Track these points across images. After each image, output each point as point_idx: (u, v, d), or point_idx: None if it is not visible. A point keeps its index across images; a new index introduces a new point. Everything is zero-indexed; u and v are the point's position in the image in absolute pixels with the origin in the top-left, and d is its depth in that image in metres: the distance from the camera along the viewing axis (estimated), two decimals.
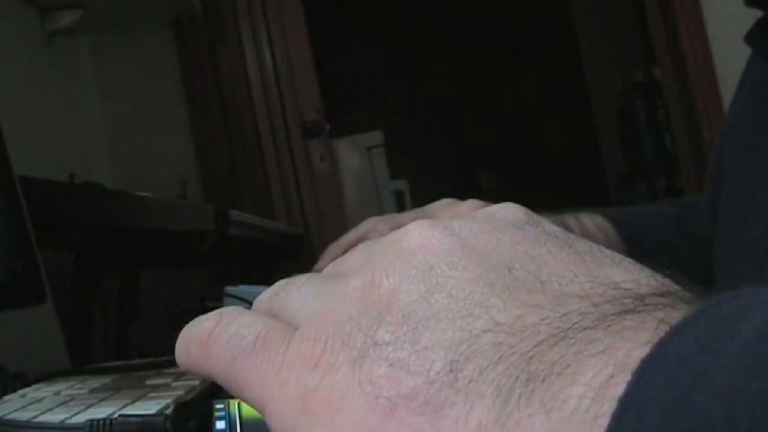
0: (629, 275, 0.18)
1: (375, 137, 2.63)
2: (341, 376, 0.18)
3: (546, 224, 0.22)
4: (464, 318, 0.18)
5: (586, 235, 0.60)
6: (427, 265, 0.19)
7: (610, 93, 3.64)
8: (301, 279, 0.23)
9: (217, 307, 0.23)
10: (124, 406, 0.36)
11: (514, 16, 4.15)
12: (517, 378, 0.16)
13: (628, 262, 0.19)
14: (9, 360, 0.52)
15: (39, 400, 0.40)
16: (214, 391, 0.41)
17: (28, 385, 0.47)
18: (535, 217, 0.22)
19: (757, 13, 0.53)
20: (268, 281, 0.25)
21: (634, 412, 0.13)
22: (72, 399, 0.40)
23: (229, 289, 0.83)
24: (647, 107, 3.32)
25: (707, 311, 0.15)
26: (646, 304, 0.16)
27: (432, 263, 0.19)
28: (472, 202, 0.60)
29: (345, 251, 0.25)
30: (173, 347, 0.23)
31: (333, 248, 0.65)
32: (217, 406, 0.28)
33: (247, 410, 0.27)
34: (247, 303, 0.74)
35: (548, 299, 0.18)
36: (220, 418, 0.28)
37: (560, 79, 4.13)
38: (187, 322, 0.23)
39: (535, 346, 0.16)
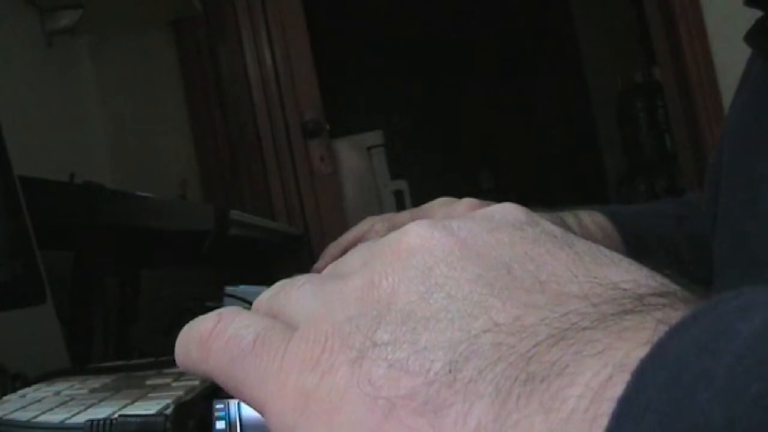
0: (628, 275, 0.18)
1: (375, 137, 2.63)
2: (340, 376, 0.18)
3: (545, 224, 0.21)
4: (463, 318, 0.18)
5: (585, 232, 0.60)
6: (426, 266, 0.19)
7: (610, 93, 3.64)
8: (300, 279, 0.23)
9: (217, 308, 0.23)
10: (124, 406, 0.36)
11: (515, 16, 4.15)
12: (516, 378, 0.16)
13: (627, 262, 0.19)
14: (9, 360, 0.52)
15: (39, 400, 0.40)
16: (214, 391, 0.41)
17: (28, 385, 0.47)
18: (535, 217, 0.22)
19: (757, 13, 0.53)
20: (268, 281, 0.25)
21: (633, 412, 0.13)
22: (72, 399, 0.40)
23: (229, 289, 0.83)
24: (647, 107, 3.32)
25: (706, 311, 0.15)
26: (645, 305, 0.16)
27: (431, 264, 0.20)
28: (468, 201, 0.60)
29: (344, 251, 0.25)
30: (173, 347, 0.23)
31: (332, 248, 0.65)
32: (217, 406, 0.28)
33: (247, 410, 0.27)
34: (247, 303, 0.74)
35: (547, 299, 0.18)
36: (220, 418, 0.28)
37: (560, 79, 4.14)
38: (187, 322, 0.23)
39: (534, 346, 0.16)
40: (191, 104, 2.12)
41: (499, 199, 0.50)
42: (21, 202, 0.66)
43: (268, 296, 0.24)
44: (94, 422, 0.31)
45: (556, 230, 0.21)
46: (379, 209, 2.50)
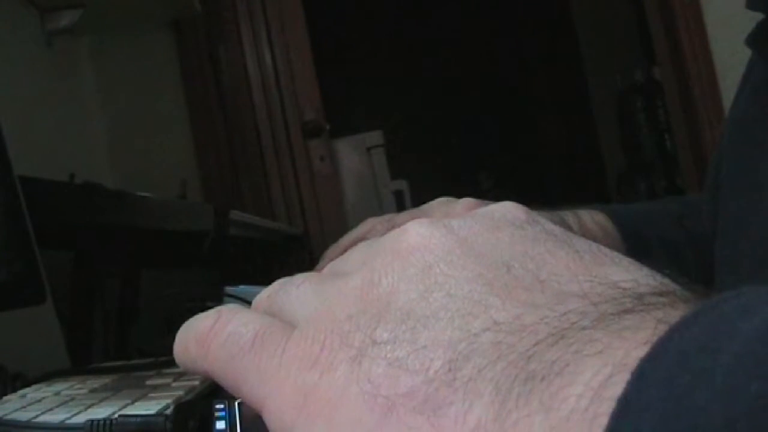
0: (628, 274, 0.18)
1: (375, 137, 2.63)
2: (340, 374, 0.18)
3: (545, 223, 0.21)
4: (463, 317, 0.18)
5: (585, 231, 0.60)
6: (425, 264, 0.19)
7: (610, 93, 3.64)
8: (300, 278, 0.23)
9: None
10: (124, 406, 0.36)
11: (515, 16, 4.15)
12: (515, 377, 0.16)
13: (627, 261, 0.19)
14: (9, 360, 0.52)
15: (39, 400, 0.40)
16: (214, 391, 0.41)
17: (28, 385, 0.47)
18: (534, 216, 0.22)
19: (757, 15, 0.53)
20: (268, 281, 0.25)
21: (633, 411, 0.13)
22: (72, 399, 0.40)
23: (229, 289, 0.83)
24: (647, 107, 3.32)
25: (706, 311, 0.15)
26: (645, 304, 0.16)
27: (431, 262, 0.19)
28: (467, 201, 0.60)
29: (344, 253, 0.25)
30: (173, 347, 0.23)
31: (332, 250, 0.65)
32: (217, 406, 0.28)
33: (247, 410, 0.27)
34: (247, 303, 0.73)
35: (547, 298, 0.18)
36: (220, 418, 0.28)
37: (560, 79, 4.14)
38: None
39: (534, 345, 0.16)
40: (191, 104, 2.12)
41: (499, 199, 0.50)
42: (21, 202, 0.66)
43: (267, 295, 0.24)
44: (94, 422, 0.31)
45: (556, 229, 0.21)
46: (379, 209, 2.50)
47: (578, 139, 4.10)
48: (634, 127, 3.39)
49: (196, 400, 0.39)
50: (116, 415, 0.32)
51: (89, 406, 0.37)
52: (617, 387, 0.14)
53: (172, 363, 0.24)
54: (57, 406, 0.37)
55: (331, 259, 0.26)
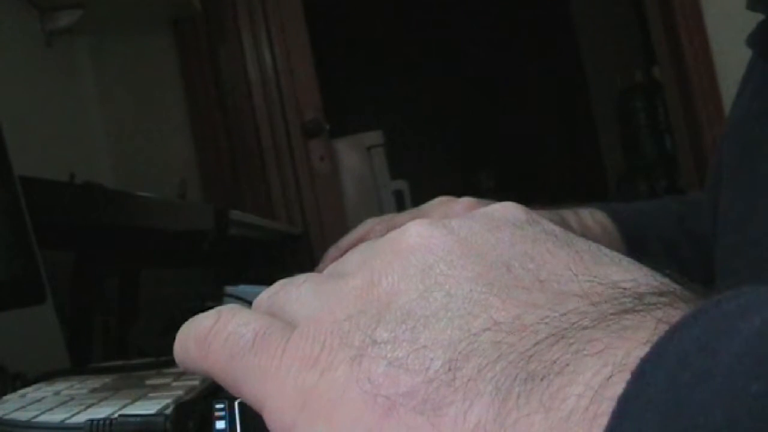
0: (628, 274, 0.18)
1: (375, 137, 2.62)
2: (340, 374, 0.18)
3: (545, 223, 0.21)
4: (463, 317, 0.18)
5: (585, 230, 0.60)
6: (425, 264, 0.19)
7: (610, 93, 3.64)
8: (300, 278, 0.23)
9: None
10: (124, 406, 0.36)
11: (514, 16, 4.15)
12: (516, 377, 0.16)
13: (627, 261, 0.19)
14: (9, 360, 0.52)
15: (39, 400, 0.40)
16: (214, 391, 0.41)
17: (28, 385, 0.47)
18: (535, 216, 0.22)
19: (757, 16, 0.53)
20: (268, 281, 0.25)
21: (633, 411, 0.13)
22: (72, 399, 0.40)
23: (229, 289, 0.83)
24: (647, 107, 3.32)
25: (707, 310, 0.15)
26: (645, 304, 0.16)
27: (431, 262, 0.19)
28: (466, 200, 0.60)
29: (344, 253, 0.25)
30: (173, 347, 0.23)
31: (332, 251, 0.65)
32: (217, 406, 0.28)
33: (247, 410, 0.27)
34: (247, 303, 0.73)
35: (547, 298, 0.18)
36: (220, 418, 0.28)
37: (560, 79, 4.14)
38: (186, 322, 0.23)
39: (534, 345, 0.16)
40: (191, 104, 2.12)
41: (499, 199, 0.50)
42: (21, 202, 0.66)
43: (267, 295, 0.24)
44: (94, 422, 0.31)
45: (556, 229, 0.21)
46: (379, 209, 2.50)
47: (578, 139, 4.10)
48: (634, 127, 3.39)
49: (196, 400, 0.39)
50: (116, 415, 0.32)
51: (89, 406, 0.37)
52: (617, 387, 0.14)
53: (172, 363, 0.24)
54: (57, 406, 0.37)
55: (332, 261, 0.26)
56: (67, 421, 0.34)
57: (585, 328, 0.16)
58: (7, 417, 0.35)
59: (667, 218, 0.66)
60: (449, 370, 0.17)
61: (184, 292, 1.19)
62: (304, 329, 0.20)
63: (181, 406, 0.31)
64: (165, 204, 1.15)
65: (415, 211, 0.62)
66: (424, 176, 3.29)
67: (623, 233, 0.62)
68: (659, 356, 0.14)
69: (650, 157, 3.34)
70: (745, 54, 0.57)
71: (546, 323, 0.17)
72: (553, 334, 0.16)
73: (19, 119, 1.34)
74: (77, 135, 1.82)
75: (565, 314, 0.17)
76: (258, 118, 2.19)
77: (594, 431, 0.14)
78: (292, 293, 0.22)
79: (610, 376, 0.14)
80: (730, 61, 1.93)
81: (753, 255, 0.48)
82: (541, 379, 0.15)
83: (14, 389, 0.46)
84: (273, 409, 0.19)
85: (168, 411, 0.33)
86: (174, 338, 0.23)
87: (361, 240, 0.62)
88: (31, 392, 0.43)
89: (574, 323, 0.16)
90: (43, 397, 0.41)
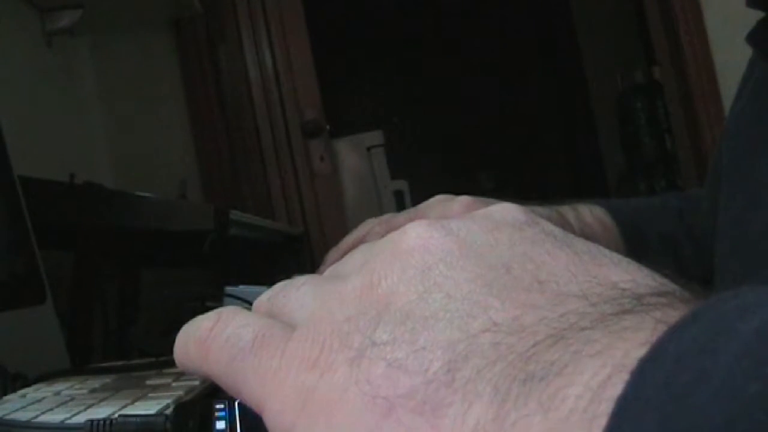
0: (627, 275, 0.18)
1: (375, 137, 2.63)
2: (339, 375, 0.18)
3: (544, 224, 0.21)
4: (462, 318, 0.18)
5: (584, 226, 0.60)
6: (425, 265, 0.19)
7: (610, 93, 3.64)
8: (300, 280, 0.23)
9: (217, 308, 0.23)
10: (124, 406, 0.36)
11: (514, 15, 4.15)
12: (514, 378, 0.16)
13: (626, 262, 0.19)
14: (9, 360, 0.52)
15: (39, 400, 0.40)
16: (214, 391, 0.41)
17: (28, 385, 0.47)
18: (534, 216, 0.22)
19: (758, 14, 0.53)
20: (268, 281, 0.25)
21: (632, 412, 0.13)
22: (72, 399, 0.40)
23: (229, 289, 0.83)
24: (647, 107, 3.32)
25: (705, 311, 0.15)
26: (644, 304, 0.16)
27: (430, 263, 0.20)
28: (464, 199, 0.60)
29: (344, 255, 0.25)
30: (173, 347, 0.23)
31: (332, 254, 0.65)
32: (217, 406, 0.28)
33: (247, 410, 0.27)
34: (247, 303, 0.74)
35: (546, 299, 0.18)
36: (220, 418, 0.28)
37: (560, 79, 4.14)
38: (187, 322, 0.23)
39: (533, 346, 0.16)
40: (191, 104, 2.12)
41: (498, 199, 0.50)
42: (21, 202, 0.66)
43: (267, 297, 0.24)
44: (94, 422, 0.31)
45: (556, 230, 0.21)
46: (379, 209, 2.50)
47: (578, 139, 4.10)
48: (634, 127, 3.39)
49: (196, 400, 0.39)
50: (116, 415, 0.32)
51: (89, 406, 0.37)
52: (616, 387, 0.14)
53: (172, 363, 0.24)
54: (57, 406, 0.37)
55: (332, 263, 0.26)
56: (67, 422, 0.34)
57: (584, 328, 0.16)
58: (7, 417, 0.35)
59: (667, 214, 0.66)
60: (448, 371, 0.17)
61: (184, 292, 1.19)
62: (304, 330, 0.20)
63: (181, 406, 0.31)
64: (165, 204, 1.15)
65: (413, 210, 0.62)
66: (424, 176, 3.29)
67: (622, 230, 0.62)
68: (658, 357, 0.14)
69: (650, 157, 3.34)
70: (745, 54, 0.57)
71: (545, 324, 0.17)
72: (552, 335, 0.16)
73: (19, 119, 1.34)
74: (77, 135, 1.82)
75: (564, 315, 0.17)
76: (258, 118, 2.19)
77: None
78: (292, 295, 0.22)
79: (609, 377, 0.14)
80: (730, 61, 1.93)
81: (752, 252, 0.48)
82: (540, 380, 0.15)
83: (14, 389, 0.46)
84: (273, 410, 0.19)
85: (168, 411, 0.33)
86: (174, 339, 0.23)
87: (361, 241, 0.62)
88: (31, 392, 0.43)
89: (573, 324, 0.16)
90: (43, 398, 0.41)
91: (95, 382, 0.46)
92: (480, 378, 0.16)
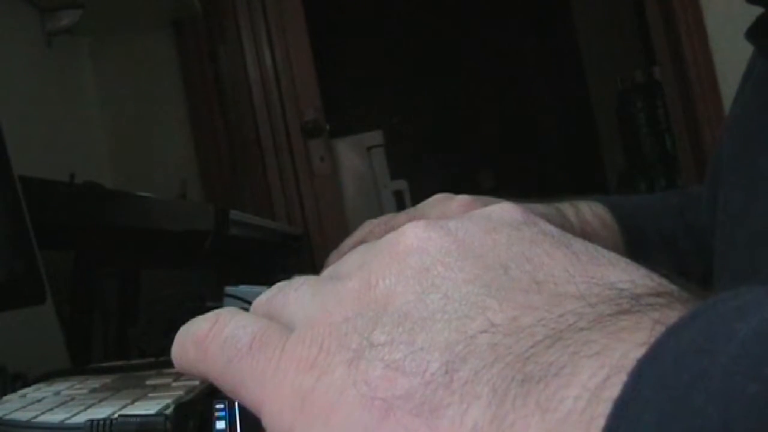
0: (625, 275, 0.18)
1: (375, 137, 2.63)
2: (337, 376, 0.18)
3: (542, 224, 0.21)
4: (460, 319, 0.18)
5: (584, 223, 0.60)
6: (422, 266, 0.20)
7: (610, 93, 3.64)
8: (298, 281, 0.23)
9: (217, 307, 0.23)
10: (124, 406, 0.36)
11: (514, 16, 4.15)
12: (512, 379, 0.16)
13: (624, 262, 0.19)
14: (9, 360, 0.52)
15: (39, 400, 0.40)
16: (214, 391, 0.41)
17: (28, 385, 0.47)
18: (532, 217, 0.22)
19: (757, 11, 0.53)
20: (268, 281, 0.25)
21: (630, 413, 0.13)
22: (72, 399, 0.40)
23: (229, 289, 0.83)
24: (647, 107, 3.32)
25: (703, 312, 0.15)
26: (642, 305, 0.16)
27: (428, 264, 0.20)
28: (463, 198, 0.60)
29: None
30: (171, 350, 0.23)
31: (333, 256, 0.65)
32: (217, 406, 0.28)
33: (247, 410, 0.27)
34: (247, 303, 0.73)
35: (544, 300, 0.18)
36: (220, 418, 0.28)
37: (560, 79, 4.14)
38: (186, 323, 0.23)
39: (531, 347, 0.16)
40: (191, 104, 2.12)
41: (499, 199, 0.50)
42: (21, 202, 0.66)
43: (266, 298, 0.24)
44: (94, 422, 0.31)
45: (554, 230, 0.21)
46: (379, 209, 2.50)
47: (578, 139, 4.10)
48: (634, 127, 3.39)
49: (196, 400, 0.39)
50: (116, 415, 0.32)
51: (89, 406, 0.37)
52: (614, 388, 0.14)
53: (172, 363, 0.24)
54: (57, 406, 0.37)
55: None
56: (67, 422, 0.34)
57: (582, 329, 0.16)
58: (7, 417, 0.35)
59: (667, 211, 0.65)
60: (446, 372, 0.17)
61: (184, 292, 1.18)
62: (302, 332, 0.20)
63: (181, 406, 0.31)
64: (165, 204, 1.15)
65: (412, 210, 0.62)
66: (424, 176, 3.29)
67: (622, 227, 0.62)
68: (656, 357, 0.14)
69: (650, 157, 3.33)
70: (745, 53, 0.57)
71: (543, 325, 0.17)
72: (549, 336, 0.16)
73: (19, 119, 1.34)
74: (77, 135, 1.82)
75: (562, 315, 0.17)
76: (258, 118, 2.19)
77: None
78: (290, 296, 0.22)
79: (607, 378, 0.14)
80: (730, 61, 1.93)
81: (751, 248, 0.48)
82: (538, 381, 0.15)
83: (14, 389, 0.46)
84: (271, 411, 0.19)
85: (168, 411, 0.33)
86: (174, 339, 0.23)
87: (361, 242, 0.62)
88: (31, 392, 0.43)
89: (570, 324, 0.16)
90: (43, 398, 0.41)
91: (95, 382, 0.46)
92: (478, 379, 0.16)
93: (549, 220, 0.22)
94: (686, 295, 0.17)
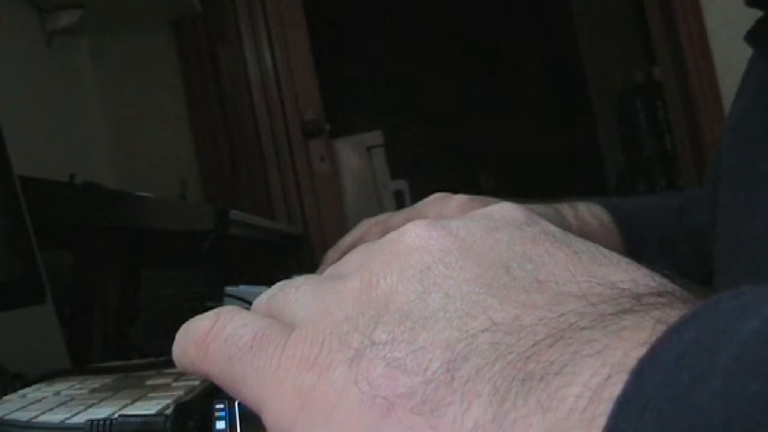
0: (627, 275, 0.18)
1: (375, 137, 2.63)
2: (338, 375, 0.18)
3: (544, 224, 0.22)
4: (461, 318, 0.18)
5: (582, 224, 0.60)
6: (424, 265, 0.20)
7: (610, 93, 3.64)
8: (299, 280, 0.23)
9: (216, 307, 0.23)
10: (124, 406, 0.36)
11: (514, 15, 4.15)
12: (514, 378, 0.16)
13: (626, 261, 0.19)
14: (9, 360, 0.52)
15: (39, 400, 0.40)
16: (214, 391, 0.41)
17: (28, 385, 0.47)
18: (533, 216, 0.22)
19: (757, 13, 0.53)
20: (268, 281, 0.25)
21: (631, 412, 0.13)
22: (72, 399, 0.40)
23: (229, 289, 0.83)
24: (647, 107, 3.32)
25: (705, 311, 0.15)
26: (643, 304, 0.16)
27: (429, 263, 0.20)
28: (461, 198, 0.60)
29: (342, 256, 0.25)
30: (172, 348, 0.23)
31: (331, 254, 0.65)
32: (217, 406, 0.28)
33: (247, 410, 0.27)
34: (247, 303, 0.74)
35: (546, 299, 0.18)
36: (220, 418, 0.28)
37: (560, 79, 4.14)
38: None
39: (533, 346, 0.16)
40: (191, 104, 2.12)
41: (499, 199, 0.50)
42: (21, 202, 0.66)
43: (266, 297, 0.24)
44: (94, 422, 0.31)
45: (555, 230, 0.21)
46: (379, 209, 2.50)
47: (578, 139, 4.10)
48: (634, 127, 3.39)
49: (196, 400, 0.39)
50: (116, 415, 0.32)
51: (89, 406, 0.37)
52: (615, 387, 0.14)
53: (172, 363, 0.24)
54: (57, 406, 0.37)
55: (331, 263, 0.26)
56: (68, 422, 0.34)
57: (583, 328, 0.16)
58: (7, 417, 0.35)
59: (666, 213, 0.66)
60: (447, 370, 0.17)
61: (184, 292, 1.19)
62: (303, 330, 0.20)
63: (181, 406, 0.31)
64: (165, 204, 1.15)
65: (410, 210, 0.62)
66: (424, 176, 3.29)
67: (621, 228, 0.62)
68: (657, 357, 0.14)
69: (650, 157, 3.34)
70: (745, 54, 0.57)
71: (544, 324, 0.17)
72: (551, 335, 0.16)
73: (19, 119, 1.34)
74: (77, 135, 1.82)
75: (563, 315, 0.17)
76: (258, 118, 2.19)
77: None
78: (291, 295, 0.22)
79: (609, 377, 0.14)
80: (730, 61, 1.93)
81: (752, 252, 0.48)
82: (539, 380, 0.15)
83: (14, 389, 0.46)
84: (272, 410, 0.19)
85: (168, 411, 0.33)
86: (174, 338, 0.23)
87: (359, 242, 0.62)
88: (31, 392, 0.43)
89: (572, 324, 0.16)
90: (43, 398, 0.41)
91: (95, 382, 0.46)
92: (479, 378, 0.16)
93: (548, 221, 0.22)
94: (687, 295, 0.17)
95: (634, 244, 0.61)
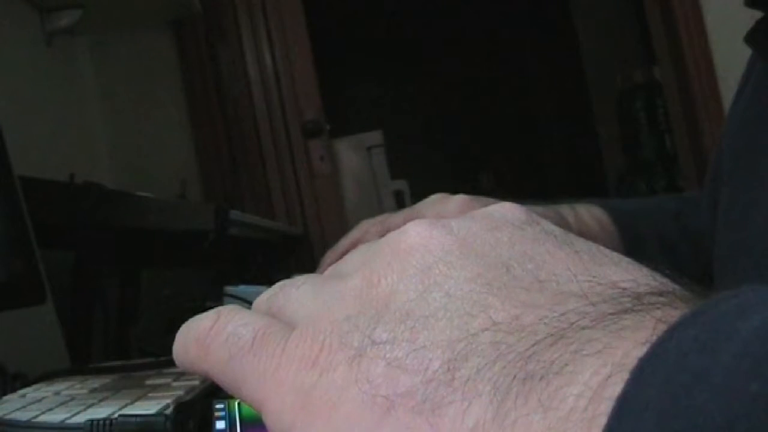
0: (628, 274, 0.18)
1: (375, 137, 2.63)
2: (339, 374, 0.18)
3: (544, 223, 0.22)
4: (462, 317, 0.18)
5: (582, 226, 0.60)
6: (424, 265, 0.20)
7: (610, 93, 3.64)
8: (300, 280, 0.23)
9: (216, 307, 0.23)
10: (124, 406, 0.36)
11: (514, 16, 4.15)
12: (514, 377, 0.16)
13: (626, 261, 0.19)
14: (9, 360, 0.52)
15: (39, 400, 0.40)
16: (214, 391, 0.41)
17: (28, 385, 0.47)
18: (534, 216, 0.22)
19: (757, 14, 0.53)
20: (268, 281, 0.25)
21: (631, 411, 0.13)
22: (72, 399, 0.40)
23: (229, 289, 0.83)
24: (647, 107, 3.32)
25: (705, 310, 0.15)
26: (644, 304, 0.16)
27: (430, 262, 0.20)
28: (461, 198, 0.60)
29: (341, 256, 0.25)
30: (173, 347, 0.23)
31: (330, 255, 0.65)
32: (217, 406, 0.28)
33: (247, 410, 0.27)
34: (247, 303, 0.74)
35: (546, 298, 0.18)
36: (220, 418, 0.28)
37: (560, 79, 4.14)
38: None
39: (533, 345, 0.16)
40: (191, 104, 2.12)
41: (499, 199, 0.50)
42: (21, 202, 0.66)
43: (267, 297, 0.24)
44: (94, 422, 0.31)
45: (556, 229, 0.21)
46: (379, 209, 2.50)
47: (578, 139, 4.10)
48: (634, 127, 3.39)
49: (196, 400, 0.39)
50: (116, 415, 0.32)
51: (89, 406, 0.37)
52: (616, 387, 0.14)
53: (172, 363, 0.24)
54: (57, 406, 0.37)
55: (330, 263, 0.26)
56: (67, 421, 0.34)
57: (584, 328, 0.16)
58: (7, 417, 0.35)
59: (664, 215, 0.66)
60: (448, 370, 0.17)
61: (184, 292, 1.19)
62: (303, 330, 0.20)
63: (181, 406, 0.31)
64: (165, 204, 1.15)
65: (409, 210, 0.62)
66: (424, 176, 3.29)
67: (619, 229, 0.63)
68: (658, 356, 0.14)
69: (650, 157, 3.34)
70: (745, 54, 0.57)
71: (545, 323, 0.17)
72: (551, 334, 0.16)
73: (19, 119, 1.34)
74: (77, 135, 1.82)
75: (564, 314, 0.17)
76: (258, 118, 2.19)
77: (593, 431, 0.14)
78: (292, 294, 0.22)
79: (609, 376, 0.14)
80: (730, 61, 1.93)
81: (753, 253, 0.48)
82: (540, 379, 0.15)
83: (14, 389, 0.46)
84: (272, 409, 0.19)
85: (168, 411, 0.33)
86: (174, 338, 0.23)
87: (358, 242, 0.62)
88: (31, 392, 0.43)
89: (573, 323, 0.16)
90: (43, 397, 0.41)
91: (95, 382, 0.46)
92: (480, 377, 0.16)
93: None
94: (688, 295, 0.17)
95: (634, 245, 0.61)
